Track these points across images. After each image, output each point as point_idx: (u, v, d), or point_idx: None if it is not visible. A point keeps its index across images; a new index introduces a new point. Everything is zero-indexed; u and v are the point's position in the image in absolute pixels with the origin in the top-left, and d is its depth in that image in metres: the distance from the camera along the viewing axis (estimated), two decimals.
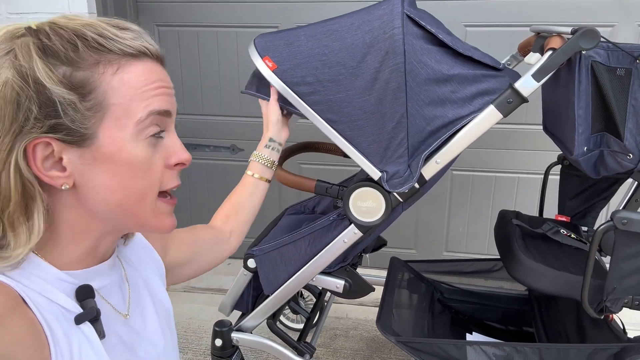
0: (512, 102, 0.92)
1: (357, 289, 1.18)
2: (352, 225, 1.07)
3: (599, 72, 0.90)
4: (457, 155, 1.00)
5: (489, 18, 1.82)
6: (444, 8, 1.83)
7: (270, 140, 0.97)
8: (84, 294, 0.52)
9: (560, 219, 1.33)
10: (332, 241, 1.10)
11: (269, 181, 0.94)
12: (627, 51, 0.88)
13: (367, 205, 1.04)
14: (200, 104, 2.13)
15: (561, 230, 1.19)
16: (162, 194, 0.54)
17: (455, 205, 2.07)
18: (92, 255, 0.55)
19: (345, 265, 1.17)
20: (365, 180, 1.03)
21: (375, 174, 1.00)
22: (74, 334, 0.50)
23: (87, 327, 0.51)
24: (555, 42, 0.91)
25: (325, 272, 1.18)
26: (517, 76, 0.97)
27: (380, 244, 1.46)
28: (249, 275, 1.20)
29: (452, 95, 0.96)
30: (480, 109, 0.95)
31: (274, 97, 1.00)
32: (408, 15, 0.94)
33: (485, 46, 1.71)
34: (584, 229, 1.31)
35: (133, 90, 0.49)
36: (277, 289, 1.16)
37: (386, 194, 1.02)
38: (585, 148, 0.95)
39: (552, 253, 1.11)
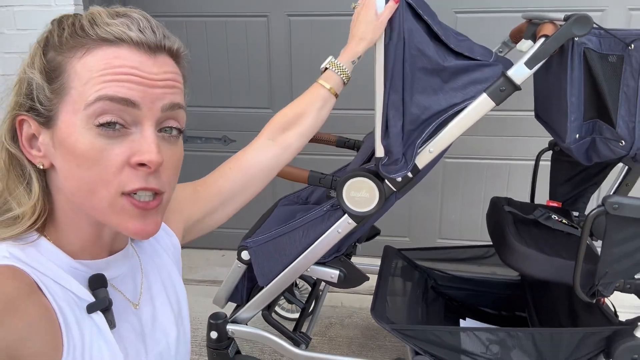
0: (505, 90, 0.92)
1: (351, 278, 1.18)
2: (346, 215, 1.07)
3: (592, 59, 0.90)
4: (450, 144, 1.00)
5: (479, 4, 1.81)
6: None
7: (359, 57, 0.88)
8: (97, 283, 0.53)
9: (551, 204, 1.34)
10: (326, 231, 1.10)
11: (337, 97, 0.87)
12: (619, 37, 0.88)
13: (360, 195, 1.04)
14: (190, 95, 2.10)
15: (552, 216, 1.20)
16: (129, 194, 0.49)
17: (448, 192, 2.07)
18: (99, 245, 0.54)
19: (339, 256, 1.17)
20: (358, 170, 1.03)
21: (380, 151, 0.98)
22: (86, 323, 0.50)
23: (98, 316, 0.51)
24: (548, 29, 0.91)
25: (319, 263, 1.18)
26: (510, 64, 0.96)
27: (374, 233, 1.47)
28: (243, 267, 1.20)
29: (445, 85, 0.96)
30: (473, 97, 0.95)
31: (388, 12, 0.90)
32: (408, 3, 0.93)
33: (476, 33, 1.70)
34: (575, 214, 1.32)
35: (90, 73, 0.47)
36: (272, 281, 1.16)
37: (380, 183, 1.02)
38: (577, 135, 0.96)
39: (544, 239, 1.12)
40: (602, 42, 0.90)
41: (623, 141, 0.92)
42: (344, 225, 1.08)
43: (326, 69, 0.87)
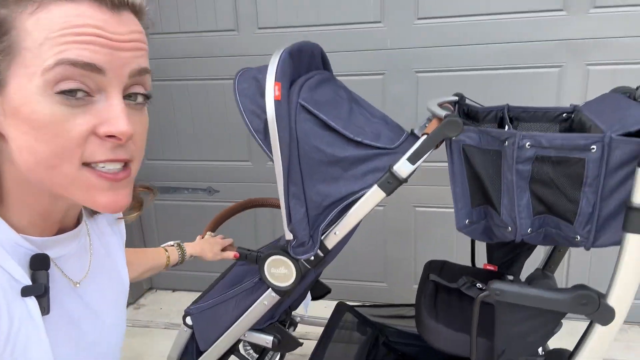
0: (392, 183, 1.00)
1: (285, 344, 1.27)
2: (270, 289, 1.17)
3: (471, 154, 0.97)
4: (357, 225, 1.08)
5: (438, 64, 1.88)
6: (394, 54, 1.90)
7: (192, 257, 1.19)
8: (38, 264, 0.49)
9: (488, 267, 1.39)
10: (254, 303, 1.19)
11: (166, 267, 1.12)
12: (494, 135, 0.95)
13: (279, 272, 1.13)
14: (178, 150, 2.26)
15: (477, 285, 1.25)
16: (90, 165, 0.46)
17: (420, 239, 2.13)
18: (50, 221, 0.51)
19: (273, 322, 1.27)
20: (276, 248, 1.13)
21: (288, 235, 1.08)
22: (17, 306, 0.47)
23: (31, 300, 0.48)
24: (431, 127, 0.99)
25: (256, 329, 1.27)
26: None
27: (325, 292, 1.55)
28: (189, 331, 1.31)
29: (345, 173, 1.05)
30: (371, 185, 1.04)
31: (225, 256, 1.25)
32: (302, 105, 1.03)
33: (436, 91, 1.79)
34: (511, 277, 1.36)
35: (45, 32, 0.42)
36: (211, 346, 1.26)
37: (295, 262, 1.11)
38: (467, 221, 1.02)
39: (460, 310, 1.17)
40: (482, 138, 0.97)
41: (509, 227, 0.98)
42: (269, 298, 1.18)
43: (172, 245, 1.15)
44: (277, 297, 1.17)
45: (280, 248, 1.12)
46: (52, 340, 0.50)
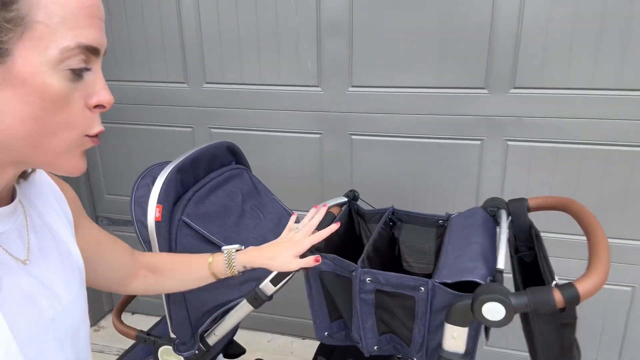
0: (258, 299, 1.12)
1: None
2: None
3: (327, 279, 1.08)
4: (237, 324, 1.21)
5: (371, 129, 1.97)
6: (330, 116, 2.00)
7: (245, 267, 0.95)
8: None
9: None
10: None
11: (215, 278, 0.95)
12: (344, 265, 1.06)
13: (171, 359, 1.27)
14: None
15: None
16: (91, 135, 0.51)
17: None
18: None
19: None
20: (167, 339, 1.26)
21: (172, 334, 1.22)
22: None
23: None
24: None
25: None
26: None
27: (239, 352, 1.68)
28: None
29: (224, 282, 1.16)
30: (247, 294, 1.16)
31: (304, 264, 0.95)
32: (184, 221, 1.15)
33: (369, 154, 1.89)
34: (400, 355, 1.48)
35: (61, 10, 0.44)
36: None
37: (181, 354, 1.24)
38: (327, 333, 1.14)
39: None
40: (336, 265, 1.07)
41: (360, 343, 1.10)
42: None
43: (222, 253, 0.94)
44: None
45: (171, 340, 1.25)
46: (8, 317, 0.49)
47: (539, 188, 1.85)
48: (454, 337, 0.93)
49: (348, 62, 1.91)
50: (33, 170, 0.61)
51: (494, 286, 0.87)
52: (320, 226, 1.19)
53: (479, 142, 1.86)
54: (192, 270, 0.94)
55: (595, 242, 0.91)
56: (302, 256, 0.96)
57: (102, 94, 0.50)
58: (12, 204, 0.55)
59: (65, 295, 0.59)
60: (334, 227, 1.00)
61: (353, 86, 1.93)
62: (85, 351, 0.64)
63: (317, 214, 1.05)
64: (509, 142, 1.84)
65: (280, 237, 1.01)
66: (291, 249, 0.95)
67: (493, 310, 0.86)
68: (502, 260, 0.97)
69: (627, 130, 1.70)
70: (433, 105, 1.86)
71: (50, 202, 0.63)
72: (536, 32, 1.69)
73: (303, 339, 2.36)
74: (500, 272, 0.94)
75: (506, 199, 1.20)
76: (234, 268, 0.94)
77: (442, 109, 1.85)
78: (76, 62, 0.46)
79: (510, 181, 1.87)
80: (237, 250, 0.96)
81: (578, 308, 2.00)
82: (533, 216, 1.19)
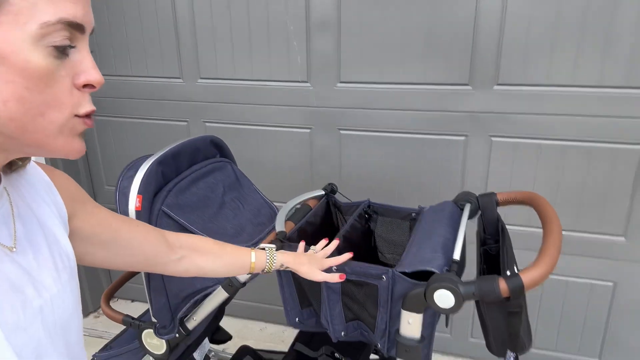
0: (232, 286, 1.17)
1: None
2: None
3: None
4: (214, 310, 1.27)
5: (358, 124, 2.02)
6: (319, 111, 2.05)
7: (284, 266, 1.02)
8: None
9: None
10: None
11: (252, 270, 0.99)
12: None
13: (154, 342, 1.33)
14: None
15: (336, 355, 1.43)
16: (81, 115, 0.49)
17: None
18: None
19: None
20: (149, 323, 1.32)
21: (153, 319, 1.28)
22: None
23: None
24: (268, 239, 1.15)
25: None
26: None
27: (225, 338, 1.75)
28: None
29: None
30: (222, 281, 1.21)
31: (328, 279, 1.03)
32: (163, 211, 1.21)
33: (357, 147, 1.93)
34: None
35: None
36: None
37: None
38: (297, 319, 1.20)
39: None
40: None
41: (328, 329, 1.15)
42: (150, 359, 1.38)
43: (263, 249, 1.00)
44: None
45: (153, 324, 1.31)
46: None
47: (522, 183, 1.88)
48: (410, 323, 0.98)
49: (336, 59, 1.95)
50: (23, 164, 0.59)
51: (446, 275, 0.92)
52: (295, 217, 1.25)
53: (463, 138, 1.90)
54: (235, 258, 0.96)
55: (547, 236, 0.96)
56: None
57: (91, 73, 0.48)
58: None
59: (54, 285, 0.57)
60: (348, 255, 1.07)
61: (341, 82, 1.98)
62: (77, 343, 0.62)
63: (331, 245, 1.11)
64: (493, 138, 1.87)
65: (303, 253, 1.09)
66: (316, 263, 1.05)
67: (444, 298, 0.90)
68: (458, 251, 1.02)
69: (608, 126, 1.72)
70: (418, 101, 1.90)
71: (39, 193, 0.61)
72: (519, 30, 1.72)
73: (294, 328, 2.42)
74: (456, 262, 0.99)
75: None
76: (273, 266, 1.01)
77: (427, 105, 1.89)
78: (59, 39, 0.44)
79: (494, 176, 1.91)
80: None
81: (561, 303, 2.06)
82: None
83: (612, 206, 1.81)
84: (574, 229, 1.88)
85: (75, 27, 0.46)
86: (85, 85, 0.48)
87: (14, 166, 0.58)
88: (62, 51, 0.45)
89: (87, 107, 0.49)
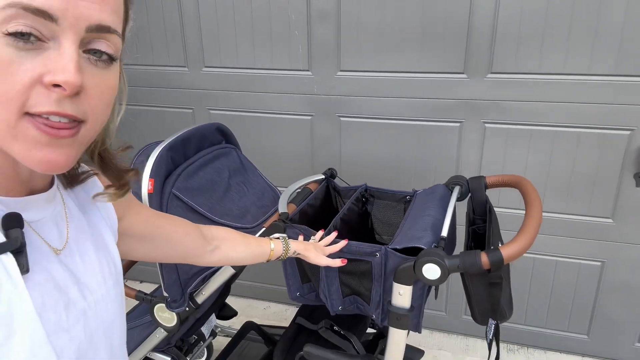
0: None
1: None
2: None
3: None
4: (222, 284, 1.36)
5: (357, 112, 2.10)
6: (320, 99, 2.12)
7: (296, 253, 1.10)
8: (11, 222, 0.47)
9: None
10: (150, 334, 1.50)
11: (269, 258, 1.06)
12: (309, 234, 1.20)
13: (165, 315, 1.43)
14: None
15: (335, 328, 1.52)
16: (32, 115, 0.43)
17: None
18: (17, 181, 0.50)
19: (170, 347, 1.58)
20: (160, 298, 1.42)
21: (165, 293, 1.38)
22: None
23: (8, 258, 0.45)
24: (271, 220, 1.24)
25: (159, 350, 1.59)
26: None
27: (230, 314, 1.85)
28: None
29: None
30: None
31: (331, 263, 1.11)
32: (174, 193, 1.30)
33: (356, 134, 2.02)
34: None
35: None
36: None
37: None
38: (298, 294, 1.30)
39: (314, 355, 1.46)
40: (305, 233, 1.22)
41: (326, 304, 1.25)
42: (159, 332, 1.48)
43: (278, 238, 1.08)
44: (165, 333, 1.47)
45: (164, 298, 1.41)
46: (38, 303, 0.48)
47: (514, 167, 1.96)
48: (401, 294, 1.07)
49: (336, 48, 2.02)
50: (80, 179, 0.59)
51: (433, 250, 1.01)
52: (296, 200, 1.34)
53: (458, 124, 1.98)
54: (257, 247, 1.03)
55: (528, 216, 1.04)
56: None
57: (60, 73, 0.41)
58: (50, 190, 0.54)
59: (98, 290, 0.57)
60: (343, 242, 1.16)
61: (341, 70, 2.05)
62: (120, 348, 0.62)
63: (331, 235, 1.18)
64: (487, 124, 1.94)
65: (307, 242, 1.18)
66: (319, 250, 1.13)
67: (431, 270, 1.00)
68: (446, 229, 1.10)
69: (597, 113, 1.80)
70: (415, 89, 1.97)
71: (90, 196, 0.61)
72: (511, 20, 1.78)
73: (297, 307, 2.53)
74: (443, 239, 1.08)
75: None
76: (289, 253, 1.09)
77: (423, 93, 1.97)
78: (14, 26, 0.40)
79: (487, 161, 1.99)
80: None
81: (551, 282, 2.15)
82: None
83: (601, 189, 1.89)
84: (564, 211, 1.97)
85: (38, 14, 0.40)
86: (55, 85, 0.42)
87: (71, 182, 0.59)
88: (23, 40, 0.41)
89: (41, 106, 0.42)
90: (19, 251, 0.46)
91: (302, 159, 2.25)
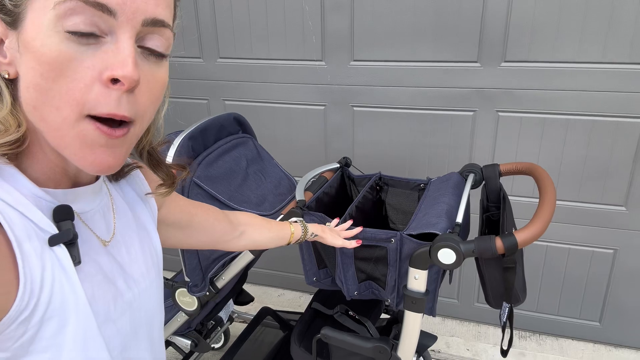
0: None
1: (200, 347, 1.64)
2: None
3: None
4: (240, 271, 1.41)
5: (371, 101, 2.12)
6: (333, 89, 2.15)
7: (314, 235, 1.11)
8: (62, 214, 0.47)
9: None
10: (172, 319, 1.55)
11: (289, 242, 1.07)
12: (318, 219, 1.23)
13: (186, 300, 1.48)
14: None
15: (350, 312, 1.56)
16: (96, 118, 0.43)
17: None
18: (65, 176, 0.50)
19: (190, 331, 1.63)
20: (181, 283, 1.47)
21: (186, 278, 1.42)
22: (47, 256, 0.45)
23: (61, 250, 0.46)
24: (289, 207, 1.28)
25: (180, 333, 1.64)
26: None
27: (248, 299, 1.90)
28: None
29: None
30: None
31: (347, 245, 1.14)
32: (194, 182, 1.34)
33: (370, 124, 2.04)
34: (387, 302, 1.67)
35: None
36: None
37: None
38: (315, 279, 1.33)
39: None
40: (320, 221, 1.25)
41: (342, 289, 1.28)
42: (180, 316, 1.53)
43: (296, 221, 1.10)
44: (186, 317, 1.52)
45: (185, 283, 1.46)
46: (89, 294, 0.49)
47: (527, 156, 1.97)
48: (416, 279, 1.10)
49: (350, 38, 2.04)
50: (130, 169, 0.61)
51: (448, 236, 1.04)
52: (312, 188, 1.37)
53: (471, 113, 1.99)
54: (279, 231, 1.04)
55: (542, 202, 1.06)
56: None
57: (119, 68, 0.42)
58: (97, 183, 0.54)
59: (143, 281, 0.58)
60: (359, 229, 1.18)
61: (354, 60, 2.07)
62: (159, 339, 0.63)
63: (346, 223, 1.21)
64: (500, 113, 1.96)
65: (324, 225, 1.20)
66: (335, 233, 1.15)
67: (446, 255, 1.02)
68: (461, 215, 1.13)
69: (610, 101, 1.80)
70: (429, 78, 1.98)
71: (135, 190, 0.62)
72: (525, 8, 1.78)
73: (310, 294, 2.58)
74: (459, 225, 1.10)
75: None
76: (307, 235, 1.11)
77: (437, 82, 1.98)
78: (75, 23, 0.40)
79: (501, 149, 2.00)
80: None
81: (564, 269, 2.17)
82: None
83: (614, 177, 1.90)
84: (577, 199, 1.98)
85: (97, 8, 0.41)
86: (113, 81, 0.42)
87: (119, 175, 0.61)
88: (84, 37, 0.41)
89: (104, 107, 0.42)
90: (71, 243, 0.47)
91: (316, 148, 2.28)
